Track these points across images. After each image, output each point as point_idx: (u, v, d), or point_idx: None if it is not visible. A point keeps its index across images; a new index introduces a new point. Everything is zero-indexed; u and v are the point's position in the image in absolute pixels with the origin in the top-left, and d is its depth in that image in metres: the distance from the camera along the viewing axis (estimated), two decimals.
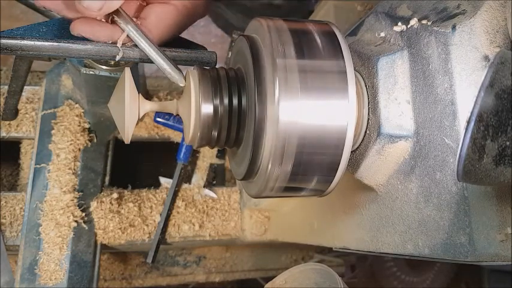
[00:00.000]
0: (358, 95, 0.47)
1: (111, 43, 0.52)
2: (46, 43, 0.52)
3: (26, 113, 0.95)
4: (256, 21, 0.48)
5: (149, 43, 0.51)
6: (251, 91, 0.45)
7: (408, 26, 0.46)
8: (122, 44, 0.52)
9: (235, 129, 0.48)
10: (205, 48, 0.58)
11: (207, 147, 0.60)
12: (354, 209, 0.58)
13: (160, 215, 0.96)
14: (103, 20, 0.52)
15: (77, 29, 0.51)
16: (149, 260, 0.94)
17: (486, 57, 0.41)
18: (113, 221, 0.91)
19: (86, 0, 0.47)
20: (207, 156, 1.09)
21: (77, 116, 0.91)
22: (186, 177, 1.07)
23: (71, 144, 0.89)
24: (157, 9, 0.53)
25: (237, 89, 0.48)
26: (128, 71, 0.49)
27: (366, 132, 0.49)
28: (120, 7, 0.50)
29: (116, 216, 0.92)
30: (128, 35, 0.51)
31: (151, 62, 0.53)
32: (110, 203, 0.92)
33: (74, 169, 0.89)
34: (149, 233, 0.95)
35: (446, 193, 0.42)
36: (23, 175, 1.02)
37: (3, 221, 0.89)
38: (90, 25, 0.51)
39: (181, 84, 0.50)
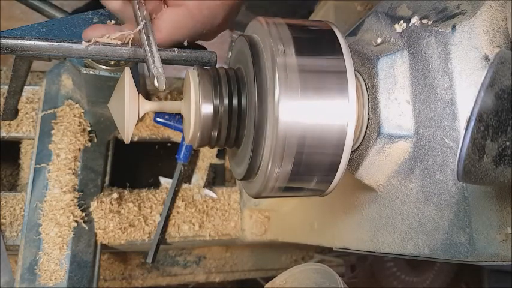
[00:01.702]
0: (358, 95, 0.47)
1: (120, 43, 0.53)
2: (46, 43, 0.52)
3: (26, 113, 0.95)
4: (256, 21, 0.48)
5: (155, 42, 0.51)
6: (251, 91, 0.45)
7: (409, 24, 0.46)
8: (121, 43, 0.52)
9: (235, 129, 0.48)
10: (205, 48, 0.58)
11: (207, 147, 0.60)
12: (354, 209, 0.58)
13: (160, 215, 0.96)
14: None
15: (86, 35, 0.53)
16: (149, 260, 0.94)
17: (486, 57, 0.41)
18: (113, 221, 0.91)
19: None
20: (207, 156, 1.09)
21: (76, 116, 0.91)
22: (186, 177, 1.07)
23: (71, 144, 0.89)
24: (172, 10, 0.53)
25: (237, 89, 0.48)
26: (128, 71, 0.49)
27: (366, 132, 0.49)
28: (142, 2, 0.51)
29: (116, 216, 0.92)
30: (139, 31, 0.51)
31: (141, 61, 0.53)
32: (110, 203, 0.92)
33: (74, 169, 0.89)
34: (149, 233, 0.95)
35: (446, 193, 0.42)
36: (23, 175, 1.01)
37: (3, 221, 0.89)
38: (98, 30, 0.53)
39: (161, 89, 0.50)
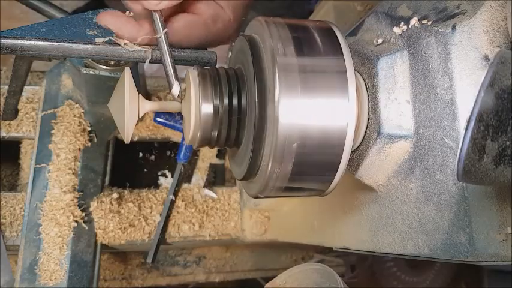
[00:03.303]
0: (358, 95, 0.47)
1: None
2: (46, 43, 0.52)
3: (26, 113, 0.95)
4: (256, 21, 0.48)
5: (169, 48, 0.51)
6: (251, 91, 0.45)
7: (409, 26, 0.46)
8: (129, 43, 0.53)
9: (235, 129, 0.48)
10: (205, 48, 0.58)
11: (207, 147, 0.60)
12: (354, 209, 0.58)
13: (160, 215, 0.96)
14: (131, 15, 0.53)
15: (103, 19, 0.52)
16: (149, 260, 0.94)
17: (486, 57, 0.41)
18: (113, 221, 0.91)
19: None
20: (207, 156, 1.09)
21: (76, 116, 0.91)
22: (186, 177, 1.07)
23: (71, 144, 0.89)
24: (187, 17, 0.53)
25: (237, 88, 0.48)
26: (127, 71, 0.49)
27: (366, 132, 0.49)
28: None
29: (116, 216, 0.92)
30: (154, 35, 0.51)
31: (151, 62, 0.53)
32: (110, 203, 0.92)
33: (74, 169, 0.89)
34: (149, 233, 0.95)
35: (446, 193, 0.42)
36: (23, 175, 1.01)
37: (3, 221, 0.89)
38: (117, 18, 0.52)
39: (177, 99, 0.50)
